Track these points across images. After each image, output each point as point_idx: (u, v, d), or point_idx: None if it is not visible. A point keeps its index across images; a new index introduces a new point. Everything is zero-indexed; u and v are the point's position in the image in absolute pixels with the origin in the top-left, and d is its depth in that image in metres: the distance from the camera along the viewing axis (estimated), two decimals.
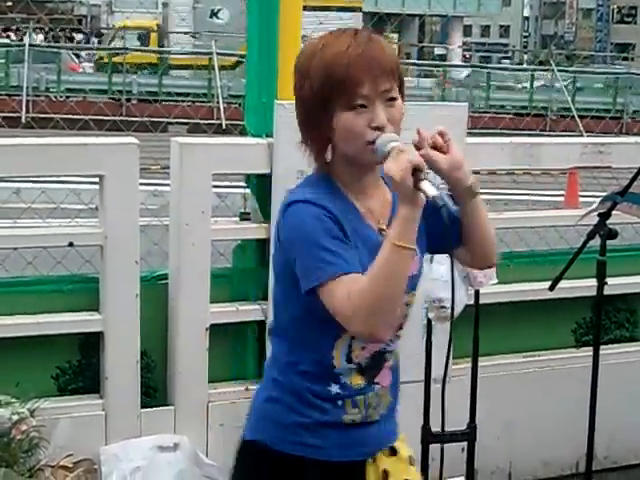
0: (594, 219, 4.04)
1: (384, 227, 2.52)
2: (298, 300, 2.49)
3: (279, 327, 2.63)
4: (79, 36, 29.22)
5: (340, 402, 2.55)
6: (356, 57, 2.41)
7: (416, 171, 2.31)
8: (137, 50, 26.94)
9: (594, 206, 4.13)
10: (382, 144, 2.39)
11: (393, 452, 2.69)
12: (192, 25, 28.30)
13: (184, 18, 26.60)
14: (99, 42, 31.89)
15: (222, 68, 23.27)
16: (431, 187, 2.32)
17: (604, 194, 4.16)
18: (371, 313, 2.33)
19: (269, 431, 2.59)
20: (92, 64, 26.96)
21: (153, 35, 28.62)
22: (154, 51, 26.44)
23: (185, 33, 27.30)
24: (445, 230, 2.41)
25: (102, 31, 33.93)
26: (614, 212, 4.02)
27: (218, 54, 23.14)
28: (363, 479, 2.61)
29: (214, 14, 29.51)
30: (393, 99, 2.44)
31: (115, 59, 25.05)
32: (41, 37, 29.05)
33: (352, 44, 2.42)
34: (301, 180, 2.62)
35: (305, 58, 2.48)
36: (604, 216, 4.00)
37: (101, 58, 26.36)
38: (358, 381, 2.56)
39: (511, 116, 21.41)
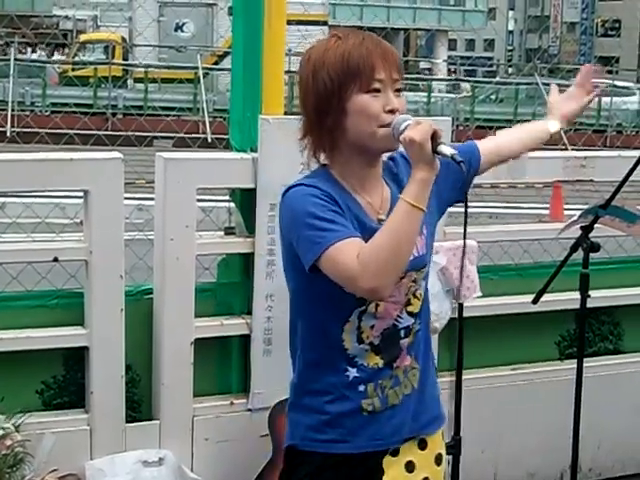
0: (577, 232, 4.06)
1: (383, 217, 2.61)
2: (305, 289, 2.61)
3: (291, 328, 2.74)
4: (38, 52, 29.10)
5: (362, 387, 2.62)
6: (372, 47, 2.58)
7: (434, 137, 2.46)
8: (121, 64, 26.94)
9: (574, 218, 4.15)
10: (398, 123, 2.54)
11: (423, 445, 2.74)
12: (157, 38, 28.28)
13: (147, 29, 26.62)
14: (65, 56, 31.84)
15: (189, 81, 23.37)
16: (448, 147, 2.48)
17: (587, 206, 4.18)
18: (381, 268, 2.41)
19: (297, 434, 2.70)
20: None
21: (118, 48, 28.59)
22: (138, 65, 26.41)
23: (152, 46, 27.30)
24: (465, 178, 2.60)
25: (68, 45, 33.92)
26: (597, 225, 4.05)
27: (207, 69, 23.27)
28: (380, 470, 2.68)
29: (179, 27, 29.55)
30: (400, 90, 2.60)
31: (80, 72, 25.07)
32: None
33: (366, 38, 2.60)
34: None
35: (318, 53, 2.60)
36: (587, 229, 4.02)
37: (65, 71, 26.31)
38: (375, 361, 2.63)
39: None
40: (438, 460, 2.80)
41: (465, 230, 2.55)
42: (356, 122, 2.56)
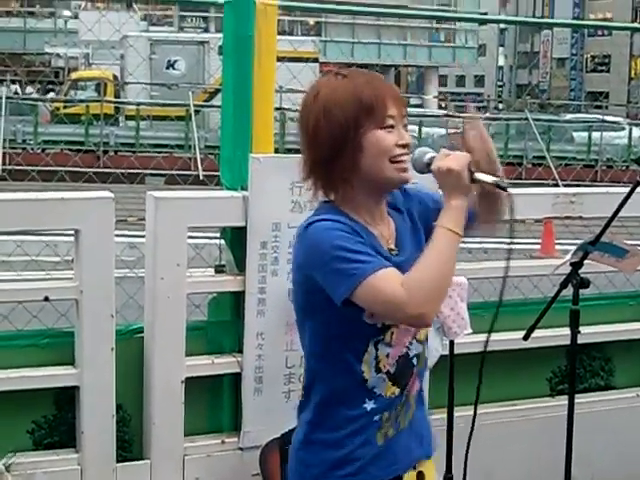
0: (567, 268, 4.08)
1: (393, 247, 2.69)
2: (324, 324, 2.63)
3: (307, 355, 2.73)
4: (29, 89, 29.25)
5: (377, 417, 2.67)
6: (380, 84, 2.64)
7: (469, 166, 2.55)
8: (112, 101, 27.03)
9: (568, 256, 4.17)
10: (421, 155, 2.64)
11: (420, 478, 2.80)
12: (148, 76, 28.42)
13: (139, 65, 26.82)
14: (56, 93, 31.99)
15: (180, 118, 23.56)
16: (486, 175, 2.56)
17: (579, 242, 4.20)
18: (429, 295, 2.47)
19: (312, 473, 2.69)
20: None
21: (110, 85, 28.74)
22: (130, 103, 26.50)
23: (143, 84, 27.45)
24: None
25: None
26: (586, 261, 4.06)
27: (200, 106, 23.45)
28: None
29: (170, 65, 29.68)
30: (406, 125, 2.67)
31: (72, 110, 25.21)
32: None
33: (371, 76, 2.67)
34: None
35: (327, 92, 2.63)
36: (576, 265, 4.03)
37: (57, 109, 26.43)
38: (392, 390, 2.68)
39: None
40: None
41: (508, 265, 2.70)
42: (371, 158, 2.60)
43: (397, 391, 2.69)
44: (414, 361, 2.73)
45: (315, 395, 2.70)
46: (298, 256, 2.64)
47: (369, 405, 2.66)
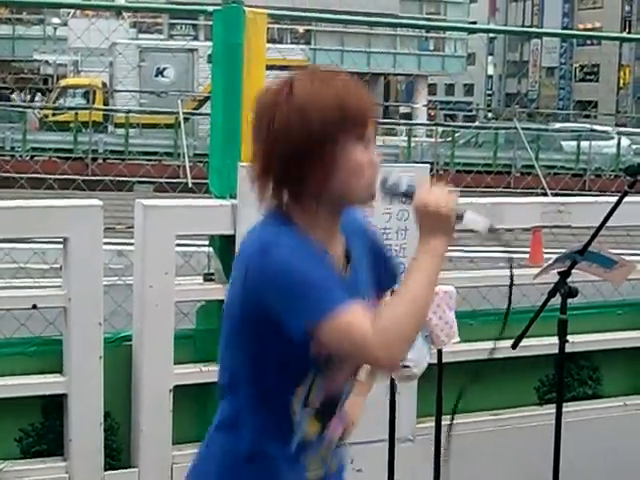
0: (555, 277, 4.08)
1: (344, 265, 2.44)
2: (265, 354, 2.36)
3: (233, 383, 2.45)
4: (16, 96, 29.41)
5: (302, 457, 2.45)
6: (363, 95, 2.35)
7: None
8: (101, 109, 27.02)
9: (550, 262, 4.18)
10: (396, 182, 2.37)
11: None
12: (138, 83, 28.45)
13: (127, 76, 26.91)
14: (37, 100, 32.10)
15: (169, 126, 23.57)
16: (477, 220, 2.34)
17: (564, 251, 4.21)
18: (402, 338, 2.23)
19: None
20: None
21: (99, 93, 28.74)
22: (119, 110, 26.48)
23: (132, 92, 27.47)
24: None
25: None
26: (574, 270, 4.07)
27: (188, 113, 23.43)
28: None
29: (160, 72, 29.69)
30: (375, 142, 2.41)
31: (61, 117, 25.23)
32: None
33: (351, 82, 2.35)
34: (260, 224, 2.42)
35: (304, 91, 2.31)
36: (564, 275, 4.04)
37: (46, 116, 26.43)
38: (314, 427, 2.45)
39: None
40: None
41: None
42: (346, 175, 2.31)
43: (317, 429, 2.46)
44: (341, 402, 2.52)
45: (243, 425, 2.42)
46: (253, 272, 2.30)
47: (293, 444, 2.42)
